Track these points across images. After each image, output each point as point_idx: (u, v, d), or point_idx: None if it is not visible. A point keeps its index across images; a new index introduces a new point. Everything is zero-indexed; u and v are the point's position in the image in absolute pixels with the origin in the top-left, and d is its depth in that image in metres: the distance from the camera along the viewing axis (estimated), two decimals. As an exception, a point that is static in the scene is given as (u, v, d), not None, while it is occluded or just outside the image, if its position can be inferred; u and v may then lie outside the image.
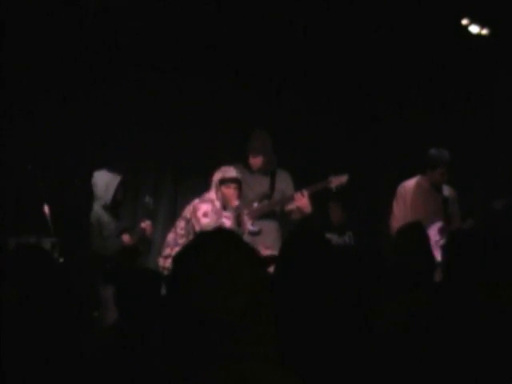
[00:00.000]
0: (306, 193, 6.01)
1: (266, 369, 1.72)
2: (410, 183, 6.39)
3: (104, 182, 6.10)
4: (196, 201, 5.98)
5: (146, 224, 6.21)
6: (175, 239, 5.97)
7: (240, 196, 5.90)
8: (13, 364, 2.65)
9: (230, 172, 5.90)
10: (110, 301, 5.73)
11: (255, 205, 6.13)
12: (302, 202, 6.00)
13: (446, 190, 6.35)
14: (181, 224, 6.00)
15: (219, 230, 1.97)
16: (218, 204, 5.90)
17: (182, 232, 5.94)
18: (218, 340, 1.70)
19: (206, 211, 5.89)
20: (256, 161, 6.15)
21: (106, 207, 6.07)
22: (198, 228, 5.86)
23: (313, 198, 6.06)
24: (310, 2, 7.06)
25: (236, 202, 5.86)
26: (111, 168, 6.15)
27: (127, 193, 6.29)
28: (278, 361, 1.76)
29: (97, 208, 6.09)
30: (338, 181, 6.10)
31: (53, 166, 6.58)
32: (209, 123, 7.24)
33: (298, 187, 6.25)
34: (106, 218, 6.07)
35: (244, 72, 7.34)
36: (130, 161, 6.67)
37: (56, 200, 6.11)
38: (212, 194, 5.94)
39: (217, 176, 5.92)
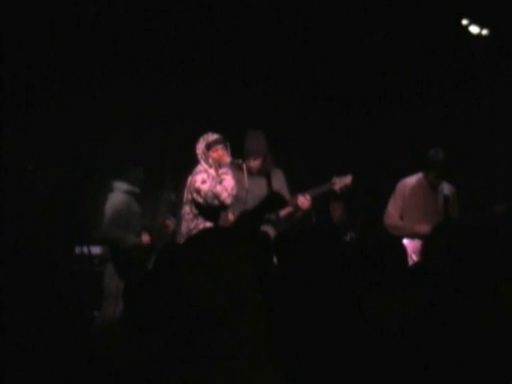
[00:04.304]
0: (308, 196, 5.97)
1: (254, 368, 1.73)
2: (411, 180, 6.37)
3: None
4: (189, 177, 5.83)
5: (170, 221, 6.22)
6: (188, 227, 5.78)
7: (229, 154, 5.78)
8: (12, 364, 2.65)
9: (211, 136, 5.80)
10: (112, 294, 5.76)
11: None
12: (306, 205, 5.97)
13: (447, 189, 6.33)
14: (185, 209, 5.82)
15: (213, 228, 2.01)
16: (212, 172, 5.74)
17: (191, 216, 5.78)
18: (206, 338, 1.71)
19: (204, 178, 5.71)
20: (255, 163, 5.99)
21: (137, 199, 6.10)
22: (200, 199, 5.69)
23: (314, 198, 6.03)
24: (308, 2, 7.07)
25: (228, 159, 5.74)
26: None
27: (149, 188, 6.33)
28: (267, 360, 1.76)
29: (129, 198, 6.07)
30: (341, 182, 6.00)
31: (53, 166, 6.58)
32: (209, 123, 7.23)
33: (298, 188, 6.21)
34: (136, 209, 6.09)
35: (243, 72, 7.35)
36: (130, 160, 6.67)
37: (56, 200, 6.12)
38: (202, 165, 5.79)
39: (200, 146, 5.79)
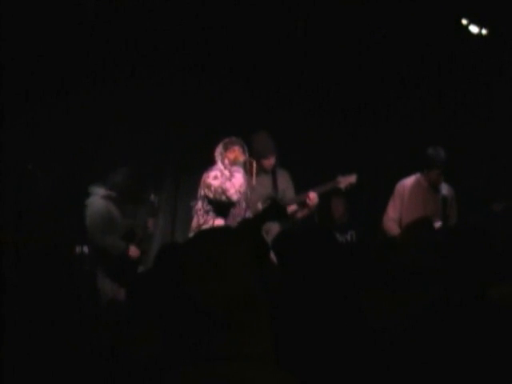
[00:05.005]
0: (315, 193, 6.02)
1: (260, 369, 1.71)
2: (409, 181, 6.37)
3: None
4: (204, 174, 5.98)
5: (149, 222, 6.28)
6: (198, 222, 5.92)
7: (245, 156, 5.90)
8: (12, 363, 2.65)
9: (229, 138, 5.95)
10: (108, 296, 5.79)
11: (259, 206, 6.10)
12: (315, 201, 6.02)
13: (445, 189, 6.32)
14: (198, 205, 5.95)
15: (219, 228, 2.00)
16: (226, 173, 5.86)
17: (202, 212, 5.90)
18: (211, 339, 1.70)
19: (216, 175, 5.87)
20: (270, 162, 6.12)
21: (116, 202, 6.12)
22: (210, 194, 5.83)
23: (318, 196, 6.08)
24: (310, 2, 7.07)
25: (242, 158, 5.88)
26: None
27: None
28: (272, 361, 1.76)
29: (107, 203, 6.10)
30: (346, 181, 6.09)
31: (53, 166, 6.58)
32: (209, 123, 7.24)
33: (300, 187, 6.24)
34: (115, 213, 6.12)
35: (244, 72, 7.34)
36: (131, 160, 6.67)
37: (56, 199, 6.11)
38: (218, 166, 5.92)
39: (218, 147, 5.94)
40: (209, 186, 5.84)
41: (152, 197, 6.35)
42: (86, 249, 6.03)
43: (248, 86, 7.37)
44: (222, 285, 1.72)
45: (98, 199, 6.12)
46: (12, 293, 2.97)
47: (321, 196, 6.14)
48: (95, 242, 6.04)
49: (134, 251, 6.11)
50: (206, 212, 5.87)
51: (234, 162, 5.87)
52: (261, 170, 6.15)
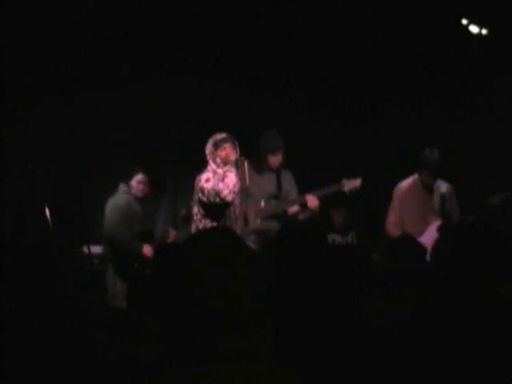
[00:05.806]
0: (317, 196, 6.02)
1: (261, 368, 1.71)
2: (406, 183, 6.40)
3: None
4: (197, 178, 5.93)
5: (171, 233, 6.34)
6: (197, 227, 5.87)
7: (236, 153, 5.83)
8: (13, 364, 2.64)
9: (219, 135, 5.86)
10: (118, 295, 5.81)
11: (262, 203, 6.09)
12: (315, 204, 6.00)
13: (443, 187, 6.33)
14: (194, 210, 5.91)
15: (221, 229, 1.98)
16: (220, 171, 5.80)
17: (199, 216, 5.87)
18: (212, 339, 1.69)
19: (208, 177, 5.81)
20: (277, 159, 6.10)
21: (137, 199, 6.24)
22: (204, 198, 5.77)
23: (321, 199, 6.08)
24: (310, 2, 7.07)
25: (234, 155, 5.80)
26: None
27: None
28: (273, 360, 1.75)
29: (129, 198, 6.24)
30: (351, 184, 6.07)
31: (53, 166, 6.58)
32: (210, 123, 7.23)
33: (302, 189, 6.23)
34: (137, 208, 6.21)
35: (245, 72, 7.34)
36: (131, 160, 6.67)
37: (56, 200, 6.11)
38: (210, 166, 5.84)
39: (209, 145, 5.86)
40: (202, 190, 5.79)
41: (183, 211, 6.42)
42: (86, 249, 6.04)
43: (249, 86, 7.37)
44: (223, 285, 1.71)
45: (119, 194, 6.29)
46: (11, 293, 2.97)
47: (323, 199, 6.13)
48: (109, 233, 6.13)
49: (147, 250, 6.14)
50: (203, 216, 5.83)
51: (225, 161, 5.81)
52: (266, 167, 6.14)
